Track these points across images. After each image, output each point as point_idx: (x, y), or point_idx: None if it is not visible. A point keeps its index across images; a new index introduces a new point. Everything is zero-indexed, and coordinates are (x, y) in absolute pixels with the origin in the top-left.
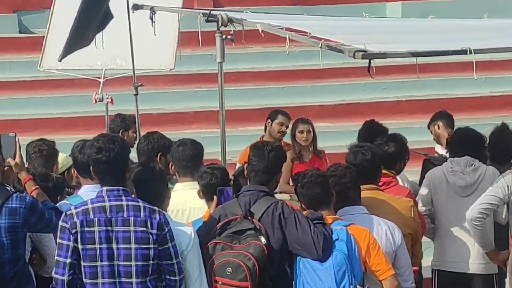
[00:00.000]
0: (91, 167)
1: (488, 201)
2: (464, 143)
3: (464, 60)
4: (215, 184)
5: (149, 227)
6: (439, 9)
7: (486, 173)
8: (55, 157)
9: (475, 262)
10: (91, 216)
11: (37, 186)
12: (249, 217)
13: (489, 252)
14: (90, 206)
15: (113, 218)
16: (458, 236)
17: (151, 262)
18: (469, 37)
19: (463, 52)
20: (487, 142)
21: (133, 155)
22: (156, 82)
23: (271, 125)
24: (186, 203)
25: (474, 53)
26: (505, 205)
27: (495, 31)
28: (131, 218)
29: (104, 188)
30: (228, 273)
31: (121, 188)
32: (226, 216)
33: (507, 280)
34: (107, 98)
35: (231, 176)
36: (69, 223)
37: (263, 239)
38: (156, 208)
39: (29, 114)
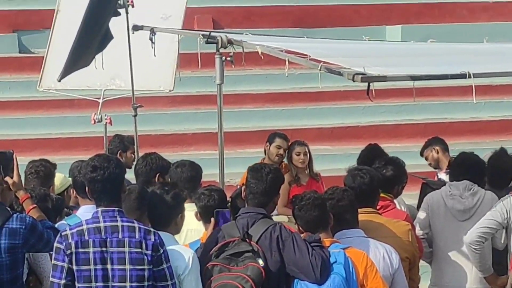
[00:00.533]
0: (86, 187)
1: (487, 225)
2: (465, 167)
3: (463, 84)
4: (213, 206)
5: (144, 248)
6: (439, 33)
7: (484, 198)
8: (51, 178)
9: (472, 287)
10: (86, 237)
11: (35, 205)
12: (247, 239)
13: (488, 277)
14: (85, 227)
15: (108, 239)
16: (455, 260)
17: (146, 283)
18: (469, 61)
19: (462, 76)
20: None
21: (131, 176)
22: (155, 103)
23: (269, 148)
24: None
25: (473, 77)
26: (504, 230)
27: (495, 55)
28: (126, 239)
29: (100, 209)
30: None
31: (116, 208)
32: (223, 238)
33: None
34: (106, 119)
35: (228, 198)
36: (63, 244)
37: (260, 262)
38: (151, 229)
39: (28, 134)
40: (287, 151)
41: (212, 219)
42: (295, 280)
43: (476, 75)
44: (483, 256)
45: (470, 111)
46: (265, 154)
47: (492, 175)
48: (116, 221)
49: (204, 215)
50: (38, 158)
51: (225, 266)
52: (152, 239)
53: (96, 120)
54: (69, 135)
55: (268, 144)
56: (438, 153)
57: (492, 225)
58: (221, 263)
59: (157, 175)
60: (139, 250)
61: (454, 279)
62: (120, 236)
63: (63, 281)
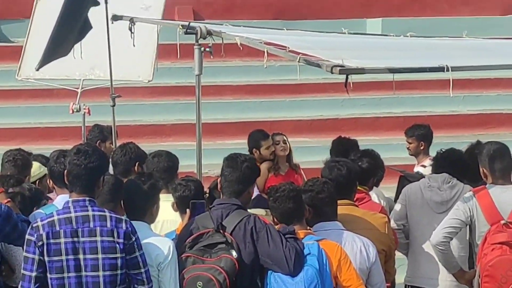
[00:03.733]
0: (66, 170)
1: (451, 225)
2: (448, 161)
3: (443, 78)
4: (189, 196)
5: (115, 236)
6: (419, 26)
7: (463, 191)
8: (28, 168)
9: (447, 280)
10: (57, 228)
11: (9, 199)
12: (221, 231)
13: (455, 273)
14: (56, 217)
15: (79, 229)
16: (431, 252)
17: (119, 271)
18: (447, 55)
19: (441, 69)
20: None
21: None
22: (134, 94)
23: (259, 153)
24: (158, 216)
25: (451, 71)
26: (468, 227)
27: (473, 50)
28: (98, 228)
29: (70, 199)
30: (199, 287)
31: (87, 198)
32: (198, 229)
33: None
34: (84, 109)
35: (206, 189)
36: (35, 235)
37: (234, 253)
38: (123, 217)
39: (6, 123)
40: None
41: (188, 210)
42: (269, 272)
43: (454, 68)
44: (450, 255)
45: (449, 104)
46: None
47: (467, 169)
48: (87, 210)
49: (180, 205)
50: (16, 147)
51: (199, 257)
52: (124, 228)
53: (75, 110)
54: (47, 124)
55: (255, 150)
56: (422, 147)
57: (456, 224)
58: (195, 255)
59: (136, 164)
60: (111, 238)
61: (429, 271)
62: (91, 225)
63: (34, 273)
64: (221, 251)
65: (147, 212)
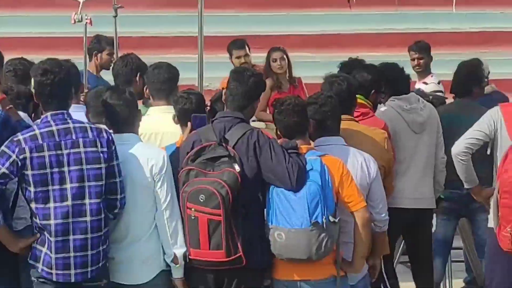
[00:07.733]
0: (34, 90)
1: (475, 136)
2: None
3: None
4: (190, 109)
5: (99, 146)
6: None
7: (432, 110)
8: (29, 78)
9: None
10: (40, 141)
11: (11, 106)
12: (224, 144)
13: (473, 188)
14: (37, 131)
15: (62, 142)
16: (416, 175)
17: (103, 181)
18: None
19: None
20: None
21: (110, 78)
22: (137, 5)
23: (231, 61)
24: (159, 127)
25: None
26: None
27: None
28: (80, 140)
29: (49, 113)
30: (201, 200)
31: (65, 112)
32: (200, 142)
33: (490, 216)
34: (86, 19)
35: (208, 102)
36: (16, 150)
37: (237, 167)
38: (102, 127)
39: (8, 32)
40: (266, 58)
41: (189, 123)
42: (271, 187)
43: None
44: (469, 167)
45: (452, 21)
46: None
47: (454, 83)
48: (68, 123)
49: (181, 118)
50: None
51: (201, 170)
52: (105, 136)
53: (76, 20)
54: (49, 34)
55: (230, 56)
56: (431, 60)
57: (480, 137)
58: (197, 168)
59: (138, 75)
60: (94, 149)
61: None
62: (73, 137)
63: (3, 170)
64: (224, 165)
65: (136, 121)
